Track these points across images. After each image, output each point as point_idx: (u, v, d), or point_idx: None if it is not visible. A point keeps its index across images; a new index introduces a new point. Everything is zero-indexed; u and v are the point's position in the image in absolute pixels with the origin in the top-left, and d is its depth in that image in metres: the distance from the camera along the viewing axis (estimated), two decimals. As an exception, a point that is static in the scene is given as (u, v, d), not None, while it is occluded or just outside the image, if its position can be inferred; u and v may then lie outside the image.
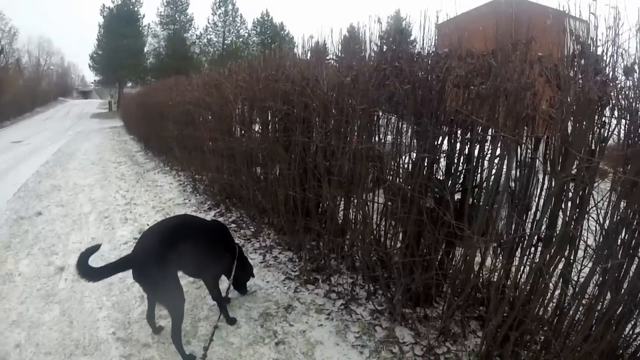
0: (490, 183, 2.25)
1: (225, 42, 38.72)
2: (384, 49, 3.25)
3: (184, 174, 7.14)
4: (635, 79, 1.85)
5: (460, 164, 2.48)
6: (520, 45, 2.30)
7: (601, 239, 1.86)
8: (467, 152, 2.44)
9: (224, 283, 2.87)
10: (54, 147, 13.26)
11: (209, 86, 5.63)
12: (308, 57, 3.85)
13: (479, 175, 2.44)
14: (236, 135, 4.58)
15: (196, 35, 38.61)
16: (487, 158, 2.35)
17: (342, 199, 3.11)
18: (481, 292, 2.50)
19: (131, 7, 35.73)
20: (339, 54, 3.57)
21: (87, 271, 2.17)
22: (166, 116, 7.80)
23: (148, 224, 4.58)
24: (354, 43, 3.86)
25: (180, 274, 2.52)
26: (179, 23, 37.58)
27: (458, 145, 2.48)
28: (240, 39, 39.34)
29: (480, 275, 2.49)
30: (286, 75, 3.58)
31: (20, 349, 2.61)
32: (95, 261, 2.25)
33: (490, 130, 2.25)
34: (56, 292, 3.30)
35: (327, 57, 3.64)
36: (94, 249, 2.28)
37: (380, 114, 2.76)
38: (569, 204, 1.94)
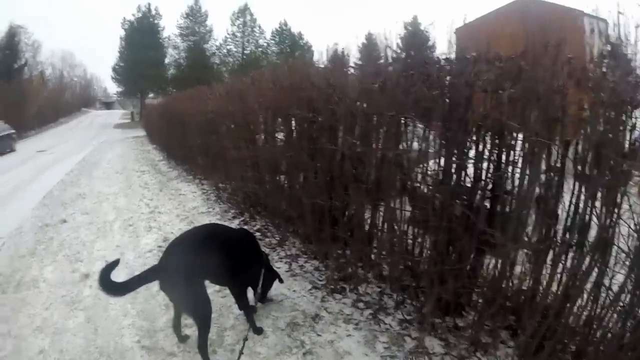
0: (523, 188, 2.19)
1: (245, 52, 39.44)
2: (403, 55, 3.23)
3: (207, 183, 7.23)
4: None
5: (490, 170, 2.43)
6: (550, 46, 2.26)
7: (636, 244, 1.79)
8: (496, 158, 2.38)
9: (250, 292, 2.87)
10: (79, 156, 13.66)
11: (232, 95, 5.73)
12: (328, 65, 3.88)
13: (509, 180, 2.39)
14: (260, 143, 4.62)
15: (216, 46, 39.50)
16: (518, 163, 2.30)
17: (369, 207, 3.08)
18: (511, 300, 2.43)
19: (151, 19, 36.86)
20: (359, 61, 3.58)
21: (111, 287, 2.17)
22: (188, 125, 7.97)
23: (172, 232, 4.63)
24: (373, 50, 3.87)
25: (207, 282, 2.54)
26: (198, 34, 38.45)
27: (487, 150, 2.43)
28: (259, 49, 40.08)
29: (511, 283, 2.42)
30: (312, 83, 3.60)
31: (44, 355, 2.65)
32: (120, 269, 2.26)
33: (521, 134, 2.20)
34: (81, 299, 3.35)
35: (348, 65, 3.65)
36: (113, 265, 2.25)
37: (407, 120, 2.73)
38: (603, 208, 1.87)
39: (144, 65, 33.75)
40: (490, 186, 2.44)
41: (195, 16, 38.60)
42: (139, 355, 2.60)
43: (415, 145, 2.73)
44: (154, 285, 2.50)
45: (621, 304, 1.88)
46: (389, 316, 2.87)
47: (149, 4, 37.18)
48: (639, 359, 1.78)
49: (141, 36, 34.75)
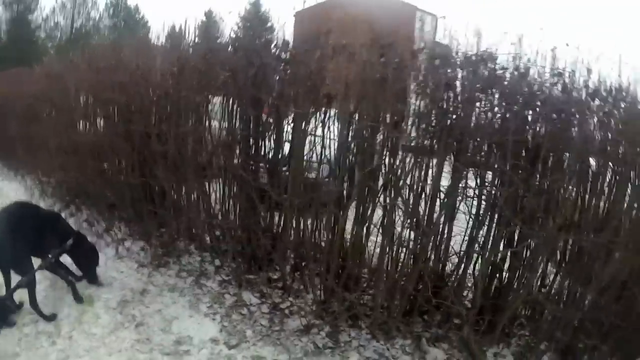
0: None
1: (75, 25, 34.32)
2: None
3: (30, 178, 6.47)
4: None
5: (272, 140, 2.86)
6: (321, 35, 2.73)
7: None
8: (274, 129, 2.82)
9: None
10: None
11: (52, 78, 5.19)
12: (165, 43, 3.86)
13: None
14: (80, 129, 4.37)
15: (42, 17, 33.42)
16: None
17: (178, 184, 3.29)
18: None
19: None
20: (200, 39, 3.66)
21: None
22: (8, 114, 6.91)
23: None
24: (212, 29, 3.97)
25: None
26: (22, 3, 32.04)
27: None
28: (91, 22, 35.22)
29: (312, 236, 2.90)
30: (124, 66, 3.57)
31: None
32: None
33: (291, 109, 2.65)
34: None
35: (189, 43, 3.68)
36: None
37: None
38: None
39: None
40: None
41: (20, -19, 32.07)
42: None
43: (215, 123, 3.01)
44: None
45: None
46: (209, 280, 3.18)
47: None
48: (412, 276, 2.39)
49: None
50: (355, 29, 3.01)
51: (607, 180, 2.43)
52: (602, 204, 2.47)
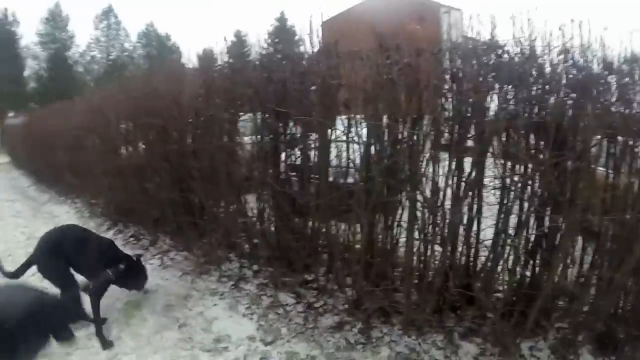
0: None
1: (110, 57, 36.40)
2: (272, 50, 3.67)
3: (80, 201, 7.00)
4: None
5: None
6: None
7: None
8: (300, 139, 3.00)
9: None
10: None
11: (92, 109, 5.65)
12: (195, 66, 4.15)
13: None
14: (122, 153, 4.74)
15: (79, 52, 35.83)
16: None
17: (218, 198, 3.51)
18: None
19: (7, 26, 31.93)
20: (228, 60, 3.90)
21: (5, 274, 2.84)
22: (55, 144, 7.53)
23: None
24: (242, 47, 4.23)
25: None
26: (59, 41, 34.42)
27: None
28: (125, 53, 37.19)
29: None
30: (156, 92, 3.87)
31: None
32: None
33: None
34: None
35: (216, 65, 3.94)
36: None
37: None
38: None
39: (1, 81, 29.36)
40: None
41: (55, 21, 34.47)
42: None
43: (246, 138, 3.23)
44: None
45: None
46: (248, 284, 3.37)
47: (6, 9, 32.08)
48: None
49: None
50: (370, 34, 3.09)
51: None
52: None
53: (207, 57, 3.97)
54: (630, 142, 2.38)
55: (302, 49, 3.17)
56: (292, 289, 3.16)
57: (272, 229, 3.16)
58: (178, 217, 3.77)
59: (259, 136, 3.07)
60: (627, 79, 2.45)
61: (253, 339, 2.77)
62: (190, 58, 4.22)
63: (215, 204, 3.47)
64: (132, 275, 3.16)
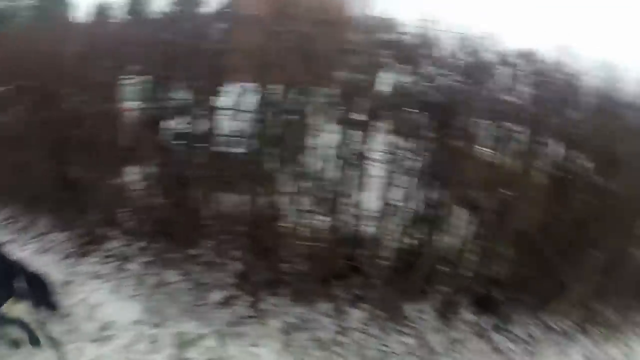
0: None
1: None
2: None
3: None
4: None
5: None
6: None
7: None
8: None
9: None
10: None
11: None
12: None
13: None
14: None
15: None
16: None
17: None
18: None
19: None
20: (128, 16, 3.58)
21: None
22: None
23: None
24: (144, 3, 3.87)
25: None
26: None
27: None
28: (12, 3, 33.19)
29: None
30: (35, 50, 3.43)
31: None
32: None
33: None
34: None
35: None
36: None
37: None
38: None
39: None
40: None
41: None
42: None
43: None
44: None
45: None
46: (133, 263, 3.13)
47: None
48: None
49: None
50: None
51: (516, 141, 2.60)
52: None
53: (101, 12, 3.63)
54: (512, 127, 2.62)
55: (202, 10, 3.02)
56: (178, 266, 3.02)
57: (158, 202, 2.95)
58: (58, 193, 3.38)
59: (145, 102, 2.85)
60: (516, 72, 2.68)
61: (140, 322, 2.62)
62: (87, 12, 3.80)
63: (96, 177, 3.15)
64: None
